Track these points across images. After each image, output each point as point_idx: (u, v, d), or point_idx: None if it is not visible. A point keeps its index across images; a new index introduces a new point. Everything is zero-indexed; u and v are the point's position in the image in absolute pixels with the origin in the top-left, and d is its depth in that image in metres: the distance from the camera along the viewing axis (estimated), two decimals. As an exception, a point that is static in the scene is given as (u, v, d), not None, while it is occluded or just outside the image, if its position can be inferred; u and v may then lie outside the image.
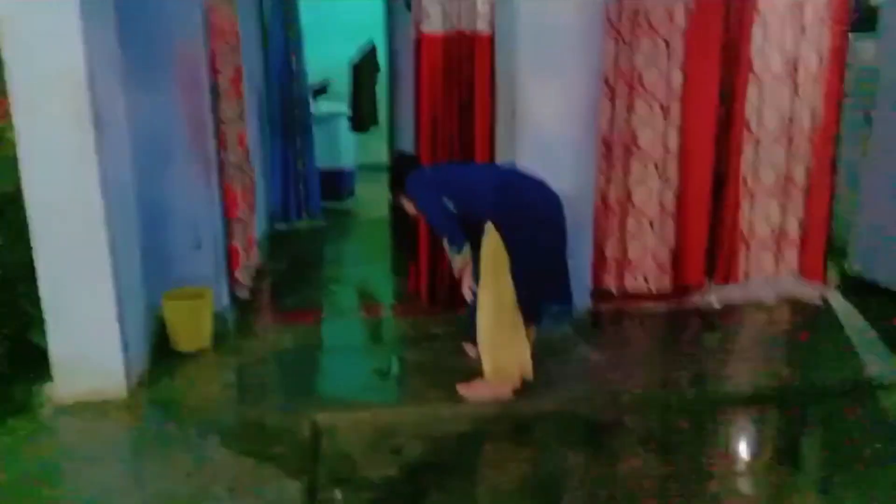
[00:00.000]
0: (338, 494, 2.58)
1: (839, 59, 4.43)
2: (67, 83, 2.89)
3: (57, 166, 2.96)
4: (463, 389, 3.24)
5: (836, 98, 4.47)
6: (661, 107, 4.24)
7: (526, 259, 3.08)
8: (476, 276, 3.21)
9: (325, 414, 3.06)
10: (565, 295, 3.29)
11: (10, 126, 2.95)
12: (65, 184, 2.98)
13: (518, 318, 3.15)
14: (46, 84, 2.88)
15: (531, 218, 3.12)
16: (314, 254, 6.07)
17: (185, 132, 3.81)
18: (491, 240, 3.10)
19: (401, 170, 3.42)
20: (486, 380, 3.20)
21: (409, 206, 3.39)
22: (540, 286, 3.18)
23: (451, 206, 3.16)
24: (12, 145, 2.98)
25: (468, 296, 3.27)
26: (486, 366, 3.20)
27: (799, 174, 4.59)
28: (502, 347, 3.16)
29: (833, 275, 4.78)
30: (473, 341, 3.32)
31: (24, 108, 2.91)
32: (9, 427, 2.96)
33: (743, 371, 3.63)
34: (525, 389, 3.22)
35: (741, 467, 2.87)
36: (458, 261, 3.19)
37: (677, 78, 4.22)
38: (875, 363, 3.62)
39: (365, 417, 3.10)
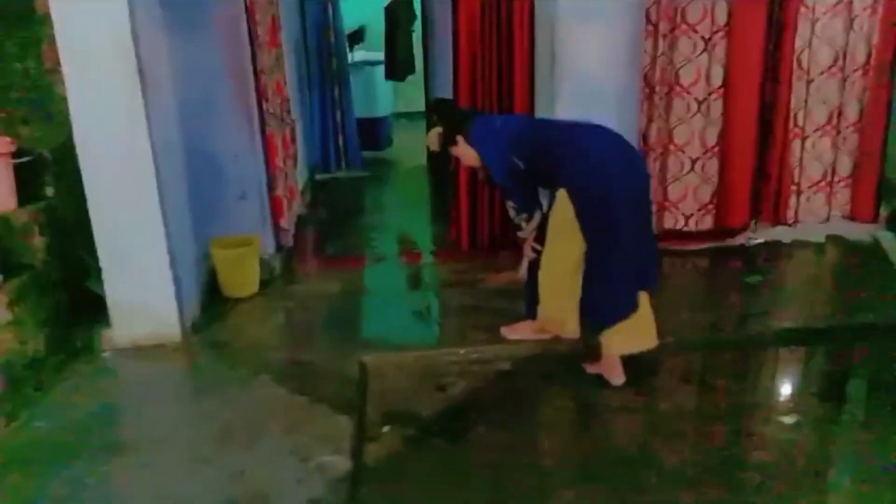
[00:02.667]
0: (387, 429, 2.67)
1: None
2: (113, 39, 2.93)
3: (106, 119, 3.02)
4: (506, 331, 3.28)
5: (893, 28, 4.28)
6: (706, 42, 4.10)
7: (621, 243, 2.76)
8: (540, 239, 3.02)
9: (372, 355, 3.14)
10: (654, 277, 2.98)
11: (61, 80, 3.03)
12: (115, 136, 3.04)
13: (577, 284, 2.93)
14: (93, 40, 2.93)
15: (624, 194, 2.75)
16: (355, 202, 6.13)
17: (228, 85, 3.83)
18: (560, 207, 2.83)
19: (444, 113, 3.21)
20: (532, 322, 3.18)
21: (466, 156, 3.10)
22: (637, 272, 2.86)
23: (520, 165, 2.90)
24: (63, 99, 3.06)
25: (529, 255, 3.10)
26: (540, 311, 3.11)
27: (852, 110, 4.44)
28: (559, 299, 3.01)
29: (884, 213, 4.65)
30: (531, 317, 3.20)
31: (73, 64, 2.97)
32: (72, 369, 3.10)
33: (787, 310, 3.59)
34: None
35: (785, 404, 2.88)
36: (527, 229, 3.04)
37: (722, 11, 4.07)
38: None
39: (410, 358, 3.18)
